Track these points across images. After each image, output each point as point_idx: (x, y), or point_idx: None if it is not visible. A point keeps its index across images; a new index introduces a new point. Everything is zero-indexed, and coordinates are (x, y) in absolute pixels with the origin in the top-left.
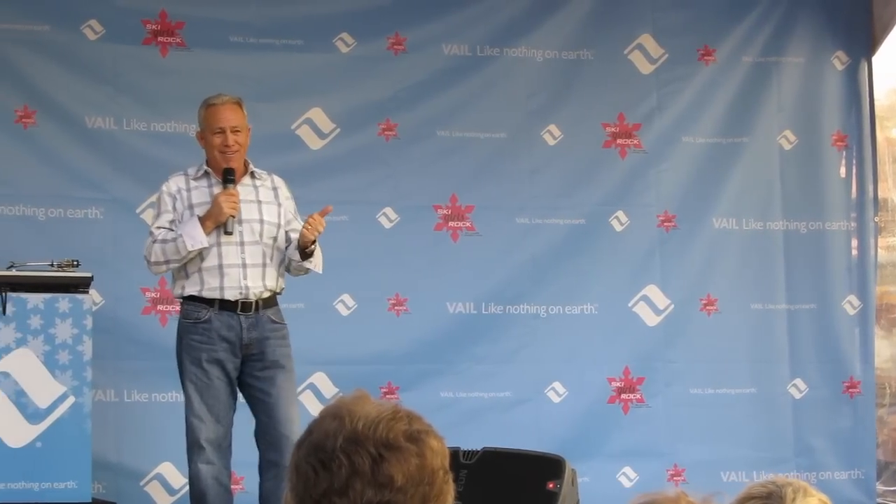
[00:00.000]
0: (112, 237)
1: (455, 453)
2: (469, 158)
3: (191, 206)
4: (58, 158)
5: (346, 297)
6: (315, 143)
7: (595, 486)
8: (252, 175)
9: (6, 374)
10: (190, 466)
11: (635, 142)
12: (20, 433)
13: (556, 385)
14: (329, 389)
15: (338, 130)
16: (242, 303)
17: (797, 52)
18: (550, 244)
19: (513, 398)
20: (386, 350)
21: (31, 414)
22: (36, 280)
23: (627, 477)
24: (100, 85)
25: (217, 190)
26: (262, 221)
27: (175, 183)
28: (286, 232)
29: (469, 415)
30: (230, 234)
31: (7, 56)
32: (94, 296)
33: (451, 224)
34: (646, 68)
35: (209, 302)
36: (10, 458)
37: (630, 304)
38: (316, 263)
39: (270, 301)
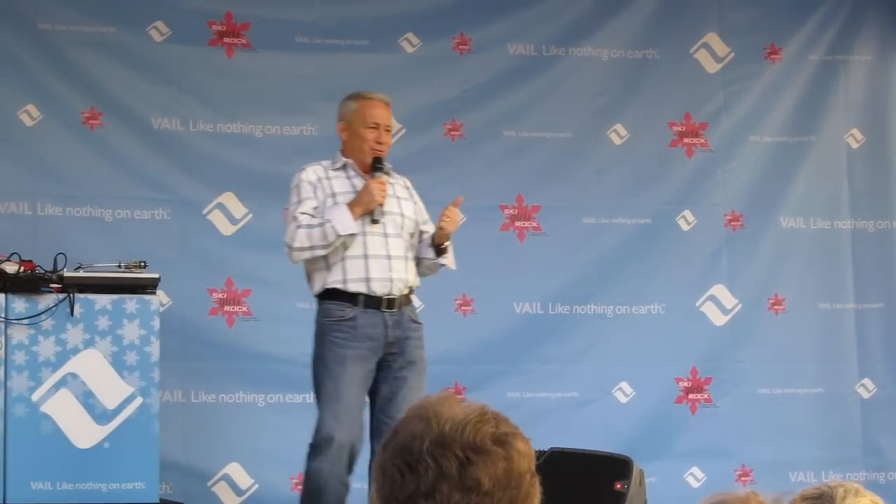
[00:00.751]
0: (179, 238)
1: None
2: (535, 158)
3: (333, 195)
4: (124, 160)
5: (413, 298)
6: None
7: (663, 487)
8: (388, 173)
9: (74, 376)
10: (310, 463)
11: (702, 141)
12: (88, 434)
13: (624, 385)
14: None
15: (403, 131)
16: (388, 300)
17: (864, 50)
18: (617, 244)
19: (580, 398)
20: (453, 350)
21: (100, 415)
22: (103, 281)
23: (695, 477)
24: (166, 86)
25: (357, 181)
26: (402, 216)
27: (313, 172)
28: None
29: (536, 415)
30: (377, 222)
31: (74, 58)
32: (161, 297)
33: (517, 224)
34: (712, 67)
35: (352, 298)
36: (79, 458)
37: (697, 304)
38: (450, 260)
39: (409, 298)
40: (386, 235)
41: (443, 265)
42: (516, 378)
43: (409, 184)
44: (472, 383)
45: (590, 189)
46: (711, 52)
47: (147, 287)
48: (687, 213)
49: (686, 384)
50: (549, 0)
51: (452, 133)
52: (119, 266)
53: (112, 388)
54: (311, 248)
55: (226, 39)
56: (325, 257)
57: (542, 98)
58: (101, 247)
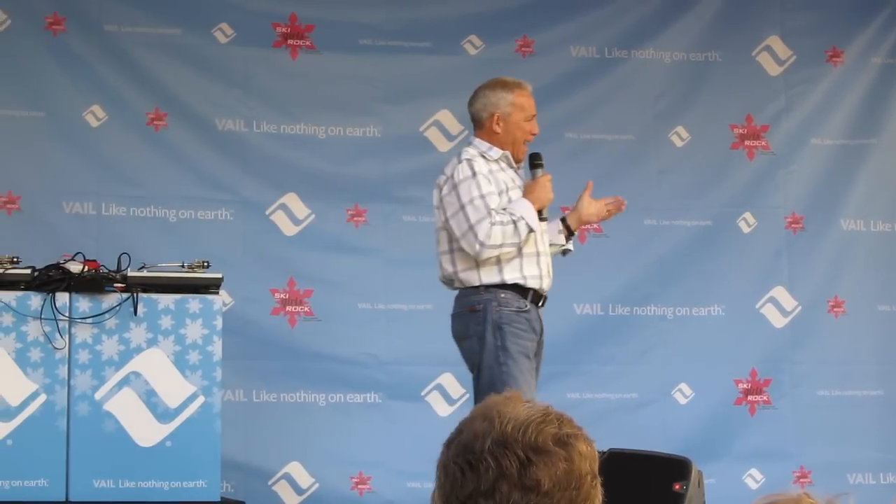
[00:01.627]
0: (242, 238)
1: None
2: (597, 160)
3: (507, 190)
4: (188, 160)
5: None
6: (443, 145)
7: (721, 488)
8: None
9: (137, 374)
10: None
11: (763, 143)
12: (151, 432)
13: (683, 386)
14: (456, 390)
15: (466, 132)
16: (544, 297)
17: None
18: (678, 245)
19: (639, 399)
20: None
21: (162, 413)
22: (167, 281)
23: (754, 479)
24: (230, 87)
25: (511, 174)
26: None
27: (481, 164)
28: None
29: (595, 416)
30: (546, 219)
31: (139, 59)
32: (223, 296)
33: None
34: (773, 70)
35: (524, 292)
36: (141, 457)
37: (757, 306)
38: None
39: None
40: (543, 233)
41: (569, 251)
42: (576, 379)
43: None
44: None
45: (651, 191)
46: (773, 55)
47: (210, 287)
48: (748, 215)
49: (745, 386)
50: (612, 2)
51: None
52: (182, 266)
53: (174, 388)
54: (502, 245)
55: (290, 41)
56: None
57: (604, 100)
58: (164, 247)
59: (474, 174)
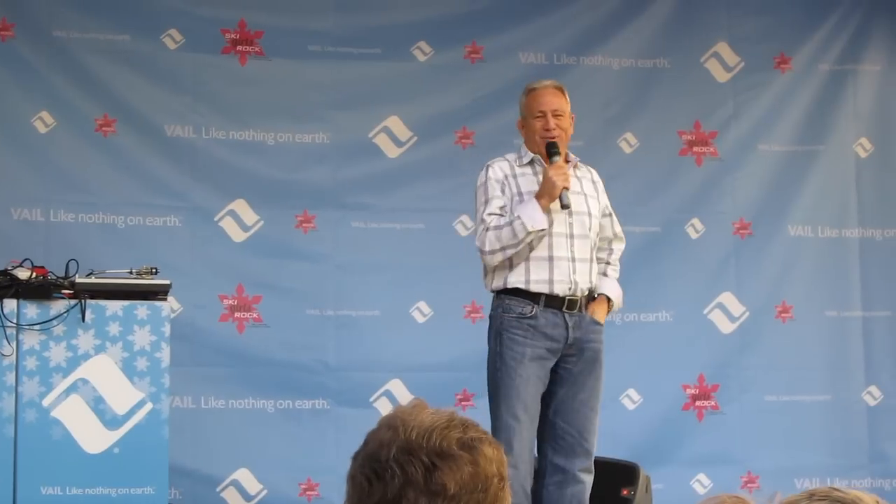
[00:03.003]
0: (190, 245)
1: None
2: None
3: (520, 194)
4: (137, 167)
5: (422, 305)
6: (392, 152)
7: (669, 493)
8: (574, 166)
9: (85, 381)
10: None
11: (711, 150)
12: (98, 439)
13: (631, 392)
14: (404, 396)
15: (415, 139)
16: (569, 300)
17: (874, 60)
18: (626, 252)
19: None
20: (461, 357)
21: (110, 420)
22: (115, 287)
23: (701, 484)
24: (179, 94)
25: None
26: (590, 215)
27: (500, 168)
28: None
29: None
30: (567, 206)
31: (88, 65)
32: (172, 303)
33: None
34: (722, 76)
35: (534, 297)
36: (89, 463)
37: (705, 312)
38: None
39: (591, 297)
40: (571, 237)
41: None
42: None
43: (596, 178)
44: (481, 390)
45: None
46: (721, 62)
47: (158, 293)
48: (696, 221)
49: (693, 391)
50: (561, 9)
51: (463, 141)
52: (130, 272)
53: (122, 394)
54: (503, 248)
55: (239, 47)
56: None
57: None
58: (113, 253)
59: (486, 180)
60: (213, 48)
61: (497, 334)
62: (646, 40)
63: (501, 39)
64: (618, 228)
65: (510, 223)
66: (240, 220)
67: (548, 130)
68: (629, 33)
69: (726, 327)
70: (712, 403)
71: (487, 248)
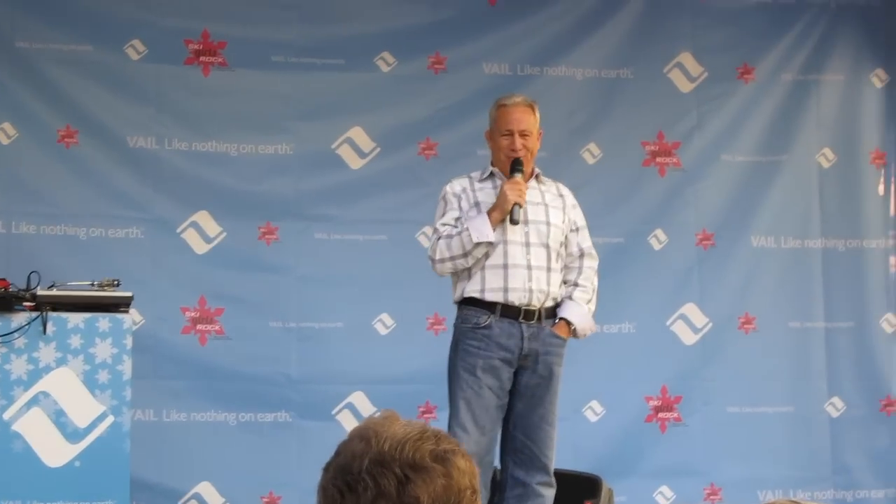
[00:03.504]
0: (152, 257)
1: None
2: None
3: (477, 204)
4: (99, 178)
5: (384, 317)
6: (356, 163)
7: None
8: (537, 179)
9: (46, 394)
10: None
11: (675, 160)
12: (59, 452)
13: (594, 404)
14: (367, 409)
15: (378, 149)
16: (525, 310)
17: (836, 70)
18: None
19: None
20: (424, 369)
21: (71, 433)
22: (76, 299)
23: (664, 496)
24: (142, 105)
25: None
26: (548, 224)
27: (459, 184)
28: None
29: None
30: (516, 223)
31: (50, 76)
32: (134, 315)
33: None
34: (685, 86)
35: (490, 307)
36: (50, 477)
37: (668, 323)
38: (580, 321)
39: (553, 311)
40: (527, 245)
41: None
42: None
43: (564, 192)
44: (444, 402)
45: None
46: (685, 72)
47: (120, 305)
48: (659, 232)
49: (656, 403)
50: (524, 20)
51: (427, 152)
52: (92, 284)
53: (84, 407)
54: (452, 258)
55: (202, 58)
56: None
57: None
58: (74, 265)
59: (443, 194)
60: (176, 59)
61: (454, 345)
62: (609, 51)
63: (465, 50)
64: (586, 244)
65: (459, 234)
66: (202, 231)
67: (514, 151)
68: (592, 44)
69: (689, 339)
70: (675, 415)
71: (437, 257)
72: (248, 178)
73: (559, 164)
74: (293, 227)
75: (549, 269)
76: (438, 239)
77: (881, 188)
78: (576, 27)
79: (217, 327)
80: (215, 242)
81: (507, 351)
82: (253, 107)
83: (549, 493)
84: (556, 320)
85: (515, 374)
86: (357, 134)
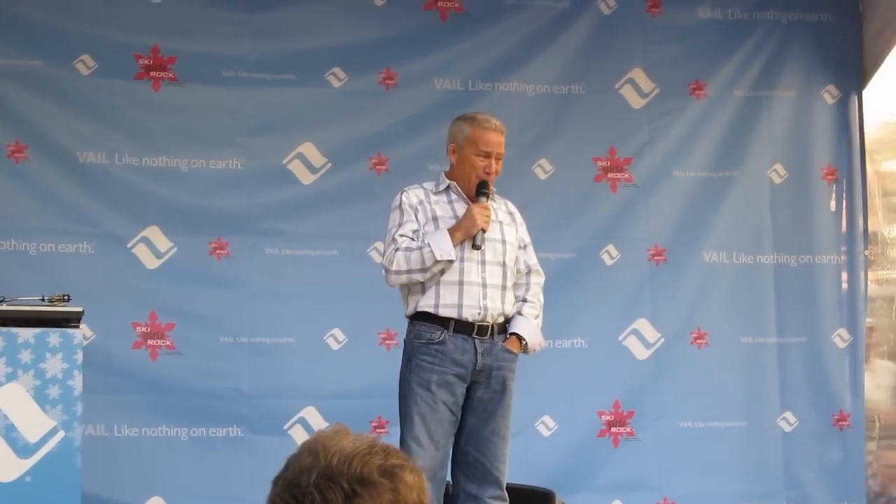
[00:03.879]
0: (103, 272)
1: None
2: None
3: (435, 219)
4: (49, 193)
5: (336, 332)
6: (307, 178)
7: None
8: (491, 198)
9: None
10: None
11: (626, 176)
12: (9, 468)
13: (546, 419)
14: (319, 423)
15: (329, 165)
16: (479, 326)
17: (788, 86)
18: None
19: None
20: (376, 384)
21: (21, 448)
22: (26, 315)
23: None
24: (92, 120)
25: (458, 206)
26: (504, 242)
27: (415, 194)
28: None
29: None
30: (478, 248)
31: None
32: (84, 330)
33: None
34: (637, 102)
35: (443, 322)
36: (0, 492)
37: (620, 338)
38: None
39: (504, 327)
40: (483, 263)
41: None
42: None
43: (512, 209)
44: (396, 417)
45: None
46: (636, 88)
47: (70, 321)
48: (611, 247)
49: (609, 418)
50: (476, 36)
51: (378, 167)
52: (42, 300)
53: (34, 422)
54: (409, 271)
55: (152, 73)
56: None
57: None
58: (24, 280)
59: (399, 203)
60: (126, 74)
61: (407, 360)
62: (561, 67)
63: (416, 66)
64: (533, 261)
65: (420, 248)
66: (153, 246)
67: (487, 174)
68: (544, 59)
69: (641, 354)
70: (628, 430)
71: (394, 268)
72: (199, 194)
73: (511, 180)
74: (244, 242)
75: (503, 288)
76: (396, 250)
77: (833, 204)
78: (527, 43)
79: (168, 342)
80: (166, 257)
81: (460, 366)
82: (204, 122)
83: None
84: (508, 336)
85: (468, 389)
86: (308, 149)
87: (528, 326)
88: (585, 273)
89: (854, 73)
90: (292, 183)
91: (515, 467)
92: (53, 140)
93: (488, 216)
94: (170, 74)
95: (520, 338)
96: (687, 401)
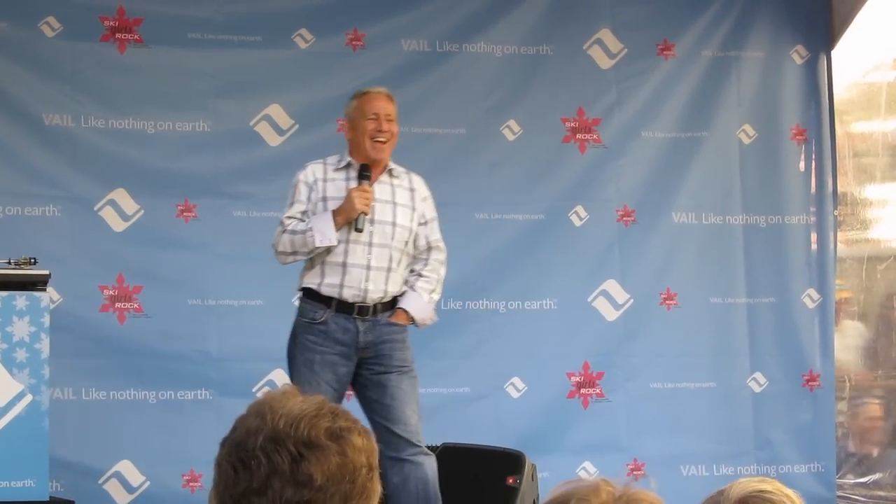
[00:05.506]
0: (70, 235)
1: None
2: (428, 154)
3: (325, 199)
4: (15, 156)
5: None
6: (274, 140)
7: (555, 481)
8: (390, 173)
9: None
10: None
11: (595, 137)
12: None
13: (516, 380)
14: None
15: (296, 127)
16: (360, 306)
17: (757, 47)
18: (510, 240)
19: (472, 394)
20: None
21: None
22: None
23: (587, 472)
24: (58, 82)
25: (354, 185)
26: (394, 224)
27: (312, 172)
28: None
29: (428, 411)
30: (360, 231)
31: None
32: (51, 293)
33: None
34: (605, 63)
35: (326, 301)
36: None
37: (589, 299)
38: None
39: (390, 304)
40: (370, 245)
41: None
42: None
43: (416, 185)
44: None
45: (483, 185)
46: (604, 48)
47: (37, 284)
48: (579, 208)
49: (578, 379)
50: None
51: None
52: (8, 263)
53: (1, 386)
54: (294, 253)
55: (118, 35)
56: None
57: (436, 94)
58: None
59: (295, 182)
60: (91, 36)
61: (293, 337)
62: (529, 27)
63: (383, 26)
64: (435, 237)
65: (304, 232)
66: (120, 209)
67: (380, 132)
68: (512, 20)
69: (611, 315)
70: (597, 391)
71: (280, 249)
72: (166, 156)
73: (478, 141)
74: (211, 205)
75: (388, 270)
76: (283, 232)
77: (802, 164)
78: (495, 4)
79: (135, 305)
80: (133, 220)
81: (343, 345)
82: (170, 84)
83: (427, 461)
84: (395, 310)
85: (360, 367)
86: (275, 111)
87: (417, 302)
88: (554, 234)
89: (823, 34)
90: (259, 145)
91: (485, 429)
92: (18, 103)
93: (368, 199)
94: (135, 36)
95: (406, 312)
96: (657, 362)
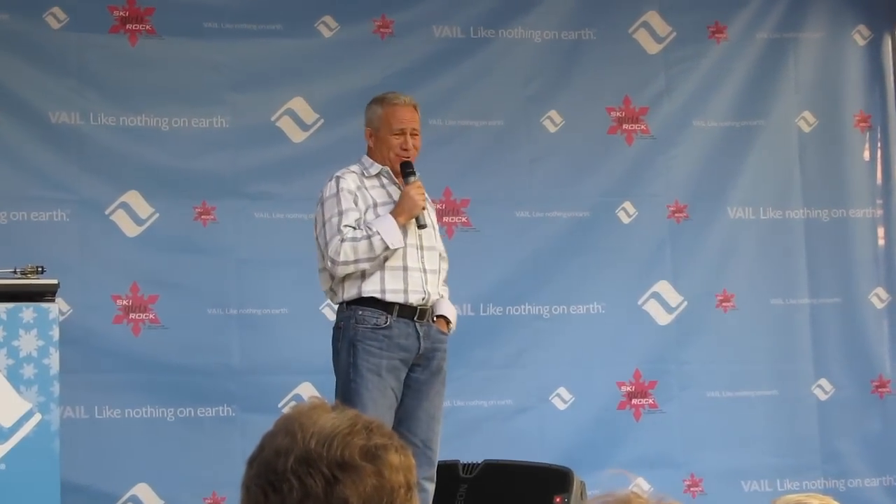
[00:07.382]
0: (79, 241)
1: (454, 466)
2: (463, 148)
3: (375, 205)
4: (20, 157)
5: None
6: (297, 136)
7: None
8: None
9: None
10: None
11: (642, 127)
12: None
13: (562, 391)
14: None
15: (321, 121)
16: (421, 309)
17: (815, 27)
18: (553, 239)
19: (515, 406)
20: None
21: None
22: None
23: (641, 489)
24: (64, 77)
25: (392, 189)
26: (434, 227)
27: (352, 180)
28: None
29: (468, 425)
30: (424, 227)
31: None
32: (60, 304)
33: (445, 220)
34: (652, 48)
35: (388, 307)
36: None
37: (640, 303)
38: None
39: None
40: (421, 248)
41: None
42: (446, 386)
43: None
44: None
45: (523, 181)
46: (651, 32)
47: (45, 294)
48: (627, 204)
49: (629, 389)
50: None
51: None
52: (14, 272)
53: (8, 405)
54: (356, 261)
55: (129, 26)
56: None
57: (471, 84)
58: None
59: (338, 191)
60: (100, 27)
61: (351, 345)
62: (569, 10)
63: (413, 12)
64: (442, 245)
65: (368, 237)
66: (133, 213)
67: (406, 150)
68: (551, 3)
69: (663, 319)
70: (650, 401)
71: (342, 259)
72: (182, 155)
73: (517, 134)
74: (231, 207)
75: (437, 272)
76: (342, 241)
77: (866, 153)
78: None
79: (151, 316)
80: (147, 224)
81: (406, 351)
82: (185, 78)
83: (431, 488)
84: (435, 318)
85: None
86: (298, 105)
87: (453, 310)
88: (600, 233)
89: (886, 12)
90: (282, 141)
91: (528, 444)
92: (23, 99)
93: (423, 194)
94: (147, 27)
95: (446, 319)
96: (713, 369)
